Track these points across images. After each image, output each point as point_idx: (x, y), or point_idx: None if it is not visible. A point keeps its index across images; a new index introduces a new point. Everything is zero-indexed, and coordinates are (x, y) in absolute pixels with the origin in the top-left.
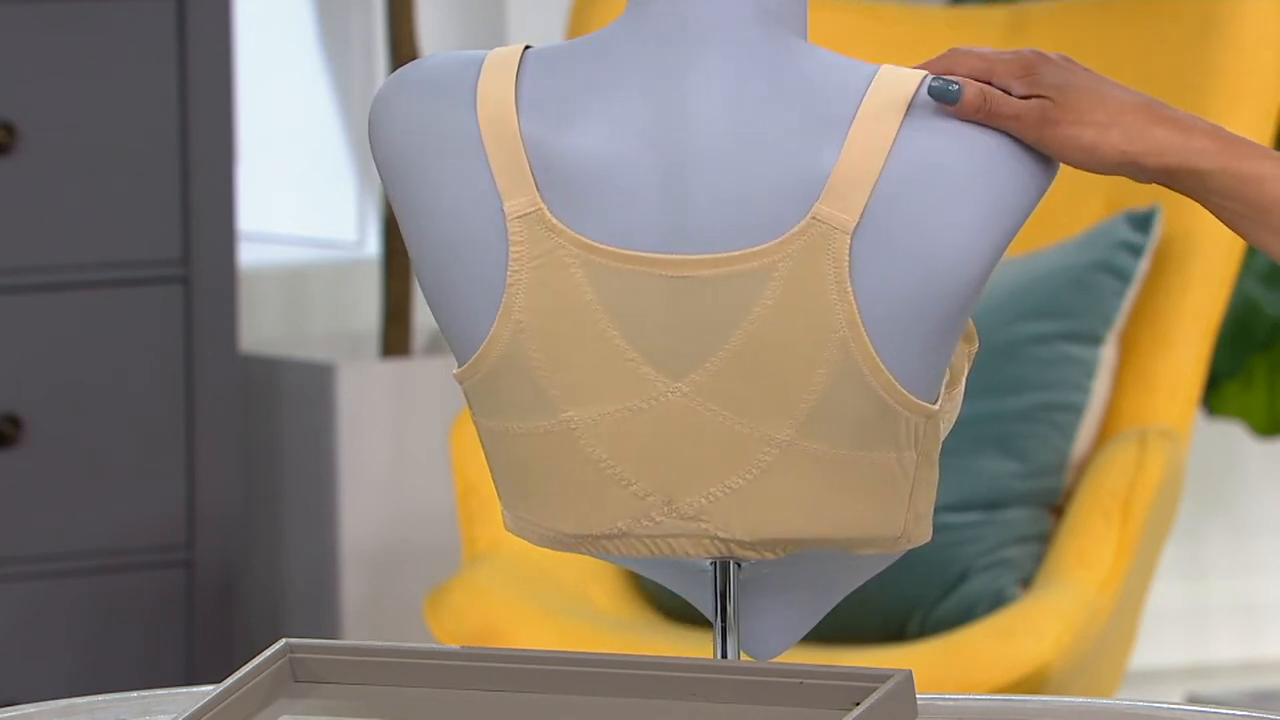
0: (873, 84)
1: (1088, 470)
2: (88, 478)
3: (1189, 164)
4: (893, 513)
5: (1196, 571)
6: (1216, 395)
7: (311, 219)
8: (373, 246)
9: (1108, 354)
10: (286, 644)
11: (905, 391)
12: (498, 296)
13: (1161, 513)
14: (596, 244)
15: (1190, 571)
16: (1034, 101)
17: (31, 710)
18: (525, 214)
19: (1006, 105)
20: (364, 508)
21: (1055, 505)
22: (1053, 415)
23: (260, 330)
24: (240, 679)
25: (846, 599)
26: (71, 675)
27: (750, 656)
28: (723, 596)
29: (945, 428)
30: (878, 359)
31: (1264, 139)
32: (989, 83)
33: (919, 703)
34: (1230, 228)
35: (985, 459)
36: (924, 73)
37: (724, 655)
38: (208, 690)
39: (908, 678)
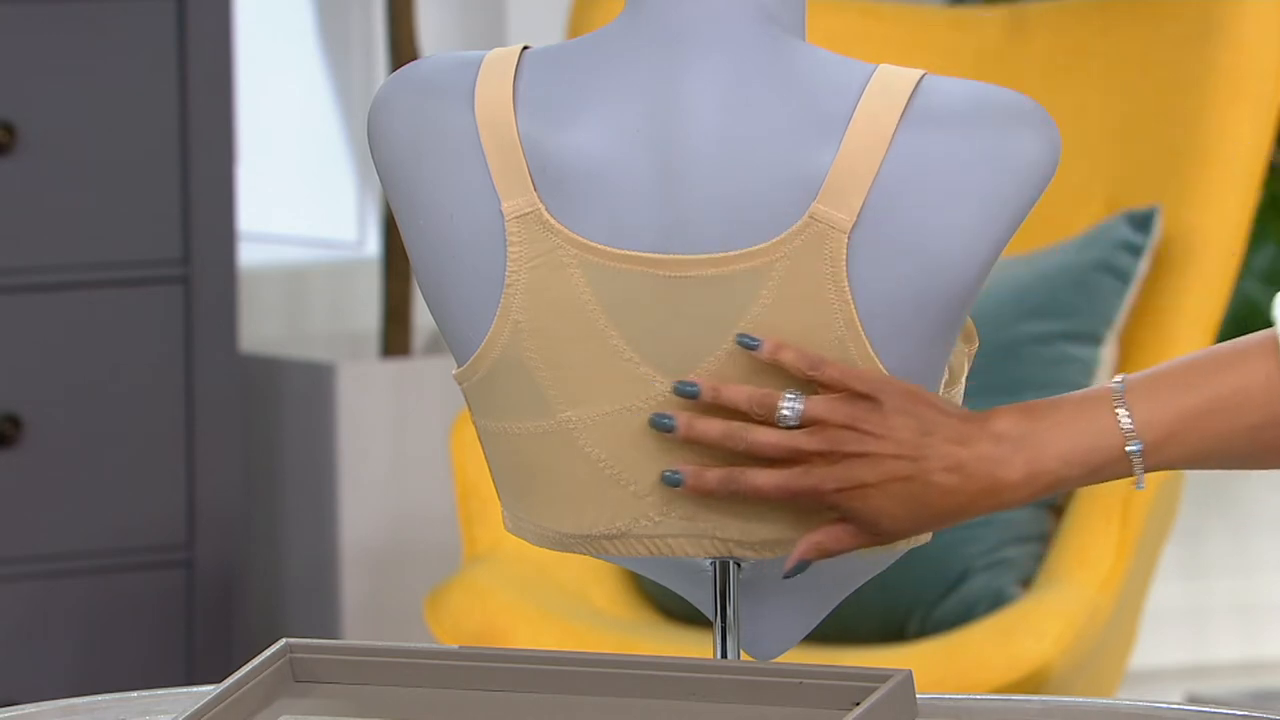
0: (870, 83)
1: None
2: (88, 478)
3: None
4: None
5: (1196, 571)
6: None
7: (311, 219)
8: (373, 246)
9: (1108, 354)
10: (286, 644)
11: None
12: (496, 297)
13: (1161, 513)
14: (594, 244)
15: (1190, 571)
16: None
17: (31, 710)
18: (523, 214)
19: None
20: (364, 508)
21: (1055, 505)
22: None
23: (260, 330)
24: (240, 679)
25: (846, 599)
26: (71, 675)
27: (750, 656)
28: (723, 596)
29: None
30: (876, 358)
31: (1264, 139)
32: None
33: (919, 703)
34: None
35: None
36: (922, 71)
37: (724, 655)
38: (208, 690)
39: (908, 678)
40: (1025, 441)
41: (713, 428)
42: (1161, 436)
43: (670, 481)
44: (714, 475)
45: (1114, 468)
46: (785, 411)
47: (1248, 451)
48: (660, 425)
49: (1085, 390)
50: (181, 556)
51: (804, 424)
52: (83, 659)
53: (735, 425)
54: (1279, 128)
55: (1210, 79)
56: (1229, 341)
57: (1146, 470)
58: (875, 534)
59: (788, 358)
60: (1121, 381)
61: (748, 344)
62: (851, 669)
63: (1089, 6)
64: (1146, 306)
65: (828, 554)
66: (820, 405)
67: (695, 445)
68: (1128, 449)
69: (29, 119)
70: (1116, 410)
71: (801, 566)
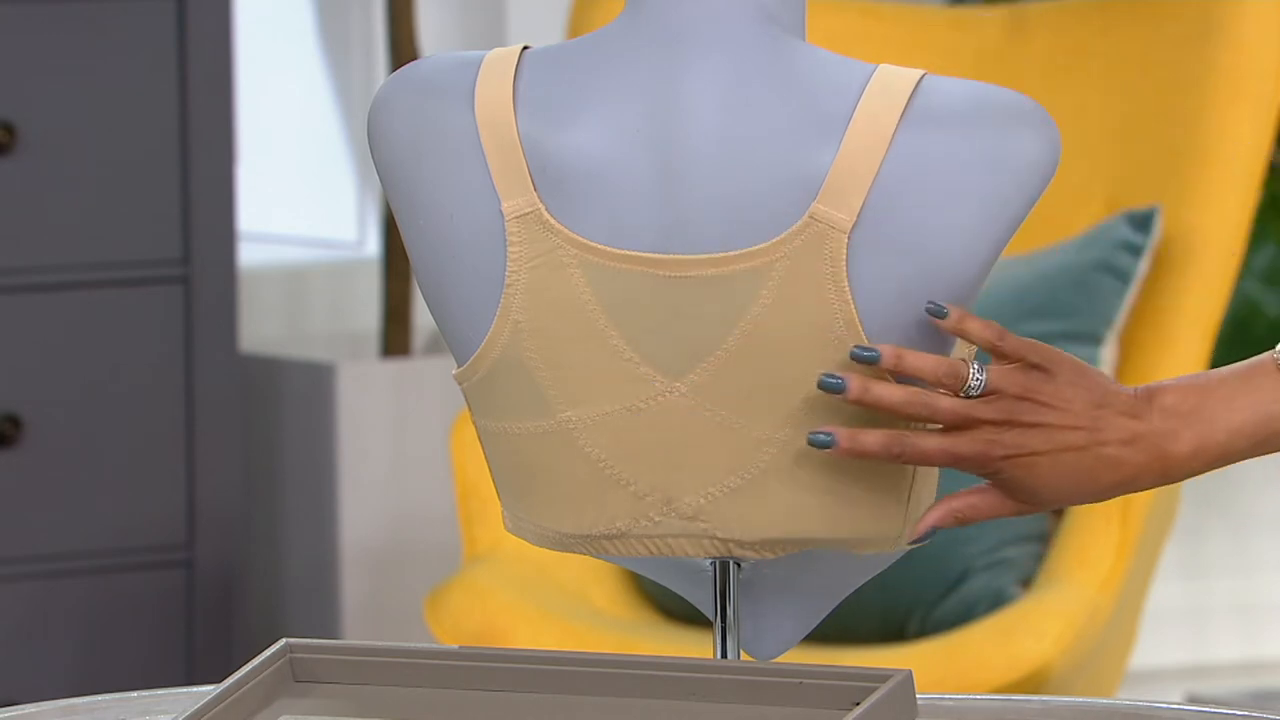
0: (870, 83)
1: None
2: (88, 478)
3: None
4: (892, 512)
5: (1196, 571)
6: None
7: (311, 219)
8: (373, 246)
9: (1108, 354)
10: (286, 644)
11: None
12: (496, 297)
13: (1161, 513)
14: (594, 244)
15: (1190, 571)
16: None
17: (31, 710)
18: (523, 214)
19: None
20: (364, 508)
21: None
22: None
23: (260, 330)
24: (240, 679)
25: (846, 599)
26: (71, 675)
27: (750, 656)
28: (723, 596)
29: None
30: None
31: (1264, 139)
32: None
33: (919, 703)
34: None
35: None
36: (922, 71)
37: (724, 655)
38: (208, 690)
39: (908, 678)
40: (1194, 416)
41: (893, 393)
42: None
43: (820, 443)
44: (874, 438)
45: (1279, 440)
46: (974, 381)
47: None
48: (832, 386)
49: (1246, 363)
50: (181, 556)
51: (983, 394)
52: (83, 659)
53: (917, 391)
54: (1279, 128)
55: (1210, 79)
56: None
57: None
58: (1030, 504)
59: (973, 327)
60: None
61: (936, 312)
62: (851, 669)
63: (1089, 6)
64: (1146, 306)
65: (964, 522)
66: (998, 375)
67: (696, 437)
68: None
69: (29, 119)
70: None
71: (931, 534)
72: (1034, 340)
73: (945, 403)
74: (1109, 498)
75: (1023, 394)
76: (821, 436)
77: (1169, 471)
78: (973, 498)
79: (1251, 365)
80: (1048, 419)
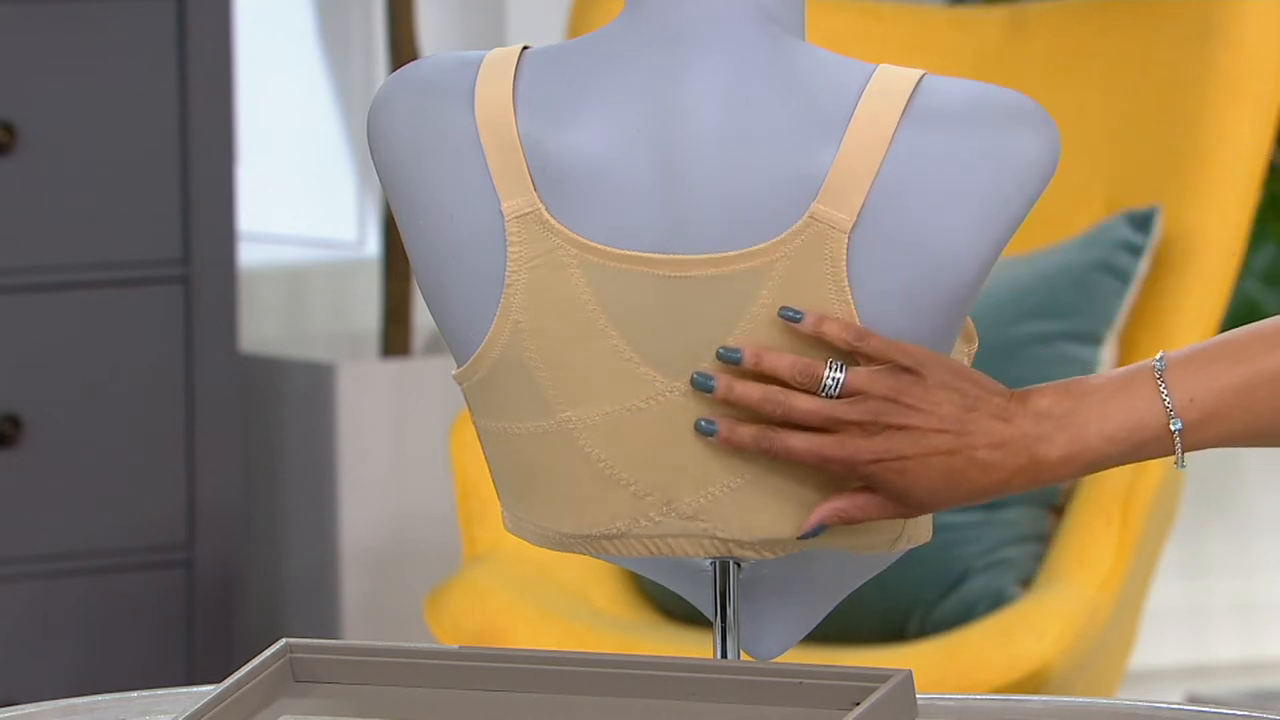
0: (870, 83)
1: None
2: (88, 478)
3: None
4: None
5: (1196, 571)
6: None
7: (311, 219)
8: (373, 246)
9: (1108, 354)
10: (286, 644)
11: None
12: (496, 297)
13: (1161, 513)
14: (594, 244)
15: (1190, 571)
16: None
17: (31, 710)
18: (523, 214)
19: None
20: (364, 508)
21: (1055, 505)
22: None
23: (260, 330)
24: (240, 679)
25: (846, 599)
26: (71, 675)
27: (750, 656)
28: (723, 596)
29: None
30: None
31: (1264, 139)
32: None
33: (919, 703)
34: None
35: None
36: (922, 71)
37: (724, 655)
38: (208, 690)
39: (908, 678)
40: (1067, 420)
41: (752, 391)
42: (1204, 414)
43: (704, 431)
44: (747, 431)
45: (1156, 446)
46: (829, 381)
47: None
48: (701, 385)
49: (1127, 368)
50: (181, 556)
51: (845, 394)
52: (83, 659)
53: (774, 390)
54: (1279, 128)
55: (1210, 79)
56: (1270, 319)
57: (1189, 449)
58: (906, 507)
59: (831, 330)
60: (1161, 359)
61: (790, 317)
62: (851, 669)
63: (1089, 6)
64: (1146, 306)
65: (848, 521)
66: (863, 376)
67: (696, 437)
68: (1171, 427)
69: (29, 119)
70: (1159, 387)
71: (818, 530)
72: (903, 343)
73: (803, 402)
74: (984, 500)
75: (889, 395)
76: (707, 425)
77: (1040, 475)
78: (858, 498)
79: (1130, 372)
80: (915, 422)
